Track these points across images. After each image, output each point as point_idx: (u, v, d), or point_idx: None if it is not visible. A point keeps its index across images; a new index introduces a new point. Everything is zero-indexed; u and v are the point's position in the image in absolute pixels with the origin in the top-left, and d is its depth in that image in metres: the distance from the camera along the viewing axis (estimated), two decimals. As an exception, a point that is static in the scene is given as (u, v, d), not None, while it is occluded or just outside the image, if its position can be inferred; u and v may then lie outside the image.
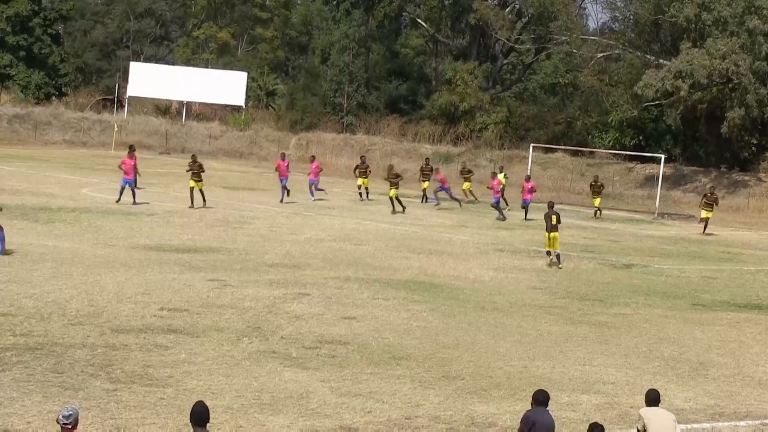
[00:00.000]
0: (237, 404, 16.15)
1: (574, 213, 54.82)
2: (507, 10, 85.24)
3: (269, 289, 25.65)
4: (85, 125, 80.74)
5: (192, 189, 42.23)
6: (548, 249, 33.84)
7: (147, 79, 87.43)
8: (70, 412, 10.92)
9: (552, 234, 33.53)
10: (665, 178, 63.34)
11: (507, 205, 51.32)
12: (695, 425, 16.98)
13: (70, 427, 10.89)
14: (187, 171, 43.49)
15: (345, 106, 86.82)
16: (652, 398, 14.09)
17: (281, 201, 47.05)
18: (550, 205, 34.11)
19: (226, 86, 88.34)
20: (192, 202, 41.85)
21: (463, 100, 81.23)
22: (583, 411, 17.27)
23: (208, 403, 11.61)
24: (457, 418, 16.41)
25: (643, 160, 69.91)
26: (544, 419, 13.19)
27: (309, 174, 50.90)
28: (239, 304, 23.63)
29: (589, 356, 21.17)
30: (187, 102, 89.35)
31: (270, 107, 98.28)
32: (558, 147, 73.63)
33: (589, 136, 78.09)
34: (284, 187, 47.72)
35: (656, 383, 18.22)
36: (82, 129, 79.70)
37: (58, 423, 10.92)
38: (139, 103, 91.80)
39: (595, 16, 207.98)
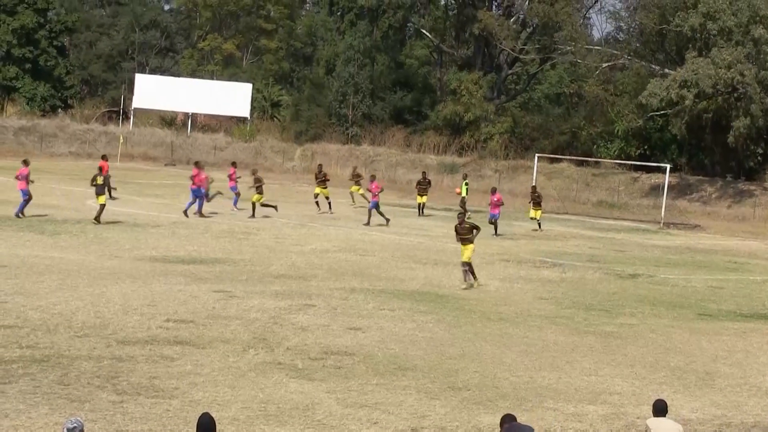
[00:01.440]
0: (243, 416, 16.13)
1: (579, 223, 54.85)
2: (512, 20, 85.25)
3: (275, 300, 25.64)
4: (91, 137, 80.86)
5: (254, 204, 44.25)
6: (465, 261, 30.26)
7: (152, 91, 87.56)
8: (75, 425, 10.88)
9: (468, 246, 30.11)
10: (671, 187, 63.33)
11: (466, 211, 50.78)
12: (702, 435, 16.94)
13: (75, 440, 10.86)
14: (250, 188, 45.07)
15: (350, 117, 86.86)
16: (660, 409, 14.07)
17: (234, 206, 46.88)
18: (463, 208, 31.59)
19: (231, 98, 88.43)
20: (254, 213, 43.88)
21: (467, 111, 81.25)
22: (589, 422, 17.24)
23: (214, 415, 11.60)
24: (463, 429, 16.39)
25: (649, 169, 69.90)
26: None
27: (370, 195, 46.43)
28: (245, 315, 23.62)
29: (595, 366, 21.13)
30: (192, 113, 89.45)
31: (275, 118, 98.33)
32: (563, 157, 73.66)
33: (595, 146, 78.13)
34: (237, 194, 47.23)
35: (663, 393, 18.19)
36: (87, 141, 79.82)
37: None
38: (144, 114, 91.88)
39: (600, 26, 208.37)
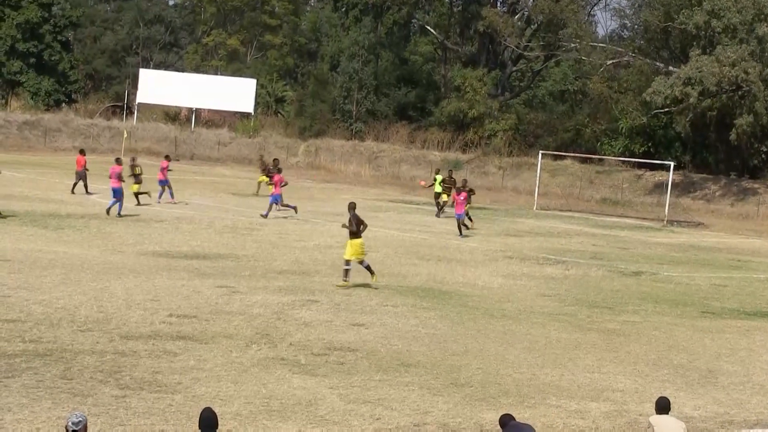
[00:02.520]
0: (246, 411, 16.14)
1: (583, 220, 54.83)
2: (516, 17, 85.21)
3: (278, 296, 25.65)
4: (95, 132, 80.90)
5: None
6: (349, 258, 28.07)
7: (156, 86, 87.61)
8: (80, 419, 10.90)
9: (354, 241, 28.16)
10: (674, 185, 63.30)
11: (441, 206, 50.89)
12: (705, 433, 16.94)
13: (78, 434, 10.87)
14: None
15: (354, 113, 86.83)
16: (663, 406, 14.07)
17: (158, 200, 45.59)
18: (352, 207, 28.70)
19: (236, 93, 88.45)
20: None
21: (472, 107, 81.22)
22: (592, 418, 17.24)
23: (216, 410, 11.62)
24: (466, 426, 16.39)
25: (653, 167, 69.87)
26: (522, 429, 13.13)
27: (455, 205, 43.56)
28: (248, 310, 23.63)
29: (598, 364, 21.13)
30: (196, 109, 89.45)
31: (279, 114, 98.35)
32: (567, 154, 73.62)
33: (599, 144, 78.09)
34: (169, 187, 45.97)
35: (665, 391, 18.19)
36: (91, 135, 79.83)
37: (68, 430, 10.90)
38: (148, 109, 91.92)
39: (605, 23, 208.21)
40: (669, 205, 59.11)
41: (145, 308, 22.96)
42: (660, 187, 65.90)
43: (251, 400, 16.71)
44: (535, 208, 59.71)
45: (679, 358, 22.26)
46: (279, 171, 45.92)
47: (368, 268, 28.31)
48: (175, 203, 45.16)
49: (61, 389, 16.53)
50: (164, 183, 45.88)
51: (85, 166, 46.74)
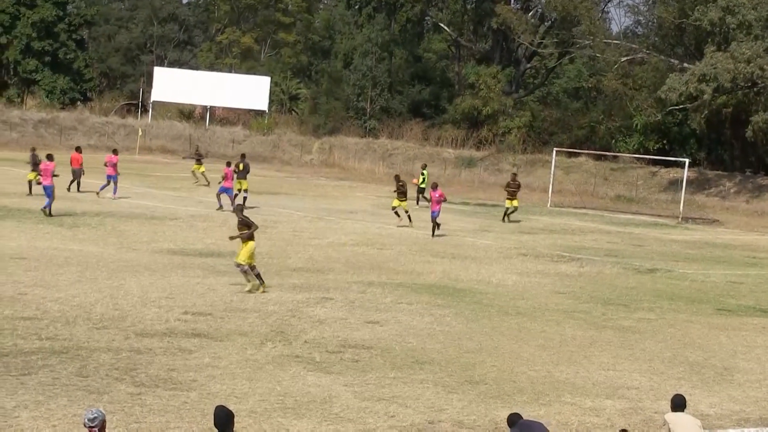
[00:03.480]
0: (260, 408, 16.16)
1: (597, 217, 54.73)
2: (530, 14, 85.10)
3: (292, 294, 25.68)
4: (110, 130, 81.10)
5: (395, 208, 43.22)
6: (242, 263, 26.11)
7: (171, 84, 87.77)
8: (95, 415, 10.93)
9: (245, 244, 26.18)
10: (689, 182, 63.14)
11: (428, 202, 51.02)
12: (720, 431, 16.89)
13: (96, 430, 10.90)
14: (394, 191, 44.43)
15: (368, 110, 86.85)
16: (678, 403, 14.05)
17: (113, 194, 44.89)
18: (239, 209, 26.99)
19: (250, 91, 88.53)
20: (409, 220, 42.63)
21: (486, 105, 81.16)
22: (607, 416, 17.22)
23: (231, 407, 11.63)
24: (481, 423, 16.39)
25: (667, 164, 69.73)
26: (534, 427, 13.19)
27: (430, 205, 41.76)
28: (263, 308, 23.66)
29: (613, 361, 21.10)
30: (210, 106, 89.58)
31: (293, 112, 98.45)
32: (581, 151, 73.52)
33: (613, 141, 77.95)
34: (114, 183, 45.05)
35: (681, 388, 18.16)
36: (106, 133, 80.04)
37: (85, 426, 10.94)
38: (163, 107, 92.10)
39: (618, 20, 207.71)
40: (684, 202, 58.96)
41: (160, 306, 23.01)
42: (675, 184, 65.71)
43: (266, 398, 16.73)
44: (549, 205, 59.63)
45: (695, 356, 22.22)
46: (228, 164, 45.39)
47: (259, 276, 25.88)
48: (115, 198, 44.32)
49: (77, 386, 16.58)
50: (114, 178, 44.76)
51: (82, 164, 45.97)
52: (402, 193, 43.32)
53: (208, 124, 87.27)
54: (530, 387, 18.62)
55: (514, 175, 51.69)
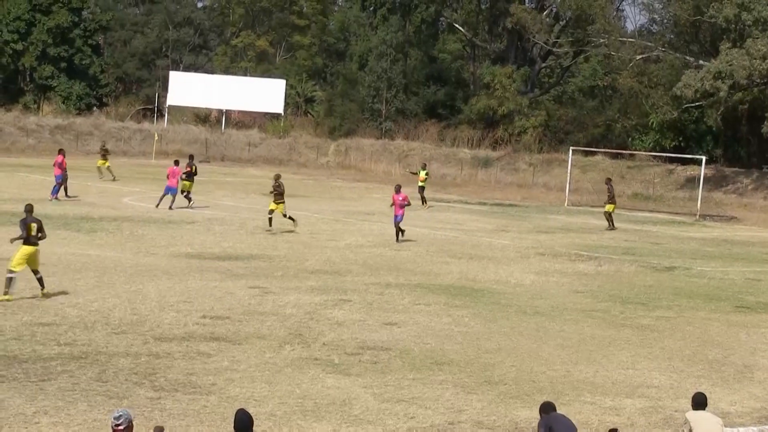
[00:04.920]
0: (280, 411, 16.17)
1: (615, 216, 54.55)
2: (544, 13, 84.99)
3: (310, 296, 25.69)
4: (126, 135, 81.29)
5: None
6: (15, 270, 23.38)
7: (186, 88, 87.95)
8: (121, 413, 11.05)
9: (29, 249, 23.60)
10: (706, 179, 62.98)
11: (426, 203, 51.44)
12: (741, 429, 16.81)
13: (122, 428, 10.96)
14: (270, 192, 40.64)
15: (383, 111, 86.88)
16: (699, 402, 14.01)
17: (63, 195, 44.22)
18: (28, 209, 24.53)
19: (265, 94, 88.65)
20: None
21: (501, 104, 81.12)
22: (627, 415, 17.17)
23: (251, 411, 11.64)
24: (501, 424, 16.37)
25: (684, 161, 69.56)
26: (564, 423, 13.23)
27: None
28: (281, 311, 23.67)
29: (632, 360, 21.05)
30: (226, 110, 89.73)
31: (309, 114, 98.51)
32: (598, 150, 73.42)
33: (629, 139, 77.83)
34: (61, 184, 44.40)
35: (701, 386, 18.09)
36: (122, 138, 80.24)
37: (111, 427, 11.03)
38: (178, 111, 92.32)
39: (633, 18, 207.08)
40: (701, 199, 58.81)
41: (178, 310, 23.04)
42: (692, 181, 65.55)
43: (285, 401, 16.74)
44: (566, 204, 59.57)
45: (714, 354, 22.15)
46: (177, 163, 44.89)
47: (41, 280, 23.83)
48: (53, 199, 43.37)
49: (96, 392, 16.61)
50: (59, 179, 44.14)
51: (65, 168, 45.13)
52: (279, 194, 39.16)
53: (224, 128, 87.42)
54: (550, 387, 18.58)
55: (608, 179, 49.93)
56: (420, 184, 52.53)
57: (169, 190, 43.60)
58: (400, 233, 37.76)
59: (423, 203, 51.23)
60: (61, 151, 46.92)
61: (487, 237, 40.98)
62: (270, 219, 38.68)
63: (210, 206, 45.13)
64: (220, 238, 35.70)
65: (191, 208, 43.46)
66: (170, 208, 42.81)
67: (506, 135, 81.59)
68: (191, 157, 47.87)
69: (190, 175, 44.87)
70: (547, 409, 13.49)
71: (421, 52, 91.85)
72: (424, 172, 53.43)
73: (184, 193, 44.21)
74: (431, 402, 17.19)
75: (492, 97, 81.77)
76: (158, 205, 43.26)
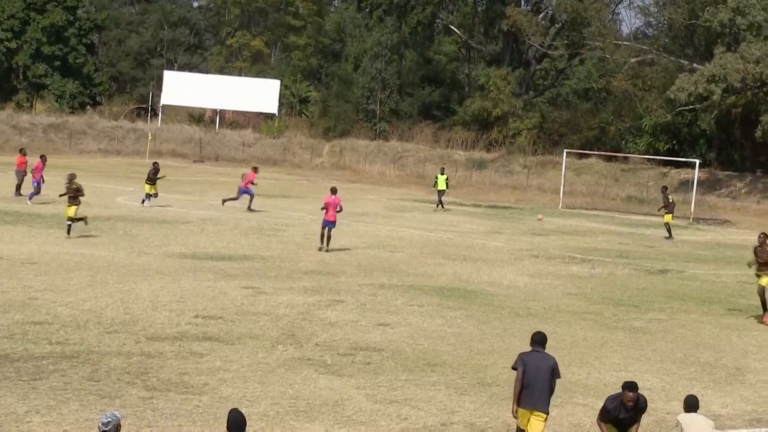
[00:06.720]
0: (273, 411, 16.17)
1: (608, 218, 54.66)
2: (540, 16, 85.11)
3: (304, 296, 25.69)
4: (120, 134, 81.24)
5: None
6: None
7: (181, 88, 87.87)
8: (109, 419, 10.92)
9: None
10: (700, 183, 63.05)
11: (443, 207, 51.61)
12: (733, 431, 16.85)
13: (110, 434, 10.90)
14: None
15: (378, 112, 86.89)
16: (691, 404, 14.03)
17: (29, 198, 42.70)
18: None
19: (260, 94, 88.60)
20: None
21: (496, 106, 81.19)
22: (619, 417, 17.15)
23: (243, 411, 11.63)
24: (493, 425, 16.38)
25: (678, 165, 69.64)
26: (535, 360, 14.43)
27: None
28: (274, 311, 23.67)
29: (624, 362, 21.08)
30: (220, 110, 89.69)
31: (303, 114, 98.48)
32: (592, 152, 73.47)
33: (623, 142, 77.88)
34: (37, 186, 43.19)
35: (693, 389, 18.12)
36: (116, 138, 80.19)
37: (99, 430, 10.96)
38: (173, 111, 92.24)
39: (629, 21, 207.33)
40: (695, 202, 58.87)
41: (171, 309, 23.03)
42: (685, 184, 65.62)
43: (278, 401, 16.74)
44: (560, 206, 59.62)
45: (706, 356, 22.18)
46: (256, 170, 46.78)
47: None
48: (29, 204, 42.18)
49: (88, 391, 16.60)
50: (35, 183, 42.92)
51: (24, 167, 44.76)
52: (73, 198, 34.44)
53: (218, 128, 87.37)
54: (542, 389, 18.55)
55: (664, 188, 49.12)
56: (440, 188, 52.43)
57: (245, 192, 45.11)
58: (328, 240, 34.44)
59: (439, 206, 51.78)
60: (22, 151, 46.99)
61: (481, 239, 41.00)
62: (69, 225, 33.91)
63: (172, 204, 45.07)
64: (214, 238, 35.68)
65: (144, 206, 43.18)
66: (249, 209, 44.50)
67: (500, 137, 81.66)
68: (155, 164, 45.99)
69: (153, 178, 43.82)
70: (536, 340, 14.79)
71: (417, 53, 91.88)
72: (444, 177, 53.19)
73: (150, 195, 43.75)
74: (424, 403, 17.20)
75: (486, 99, 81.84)
76: (249, 207, 44.63)
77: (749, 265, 27.91)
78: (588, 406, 17.66)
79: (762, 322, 26.52)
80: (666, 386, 19.31)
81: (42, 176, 43.37)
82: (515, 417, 14.68)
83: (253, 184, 45.65)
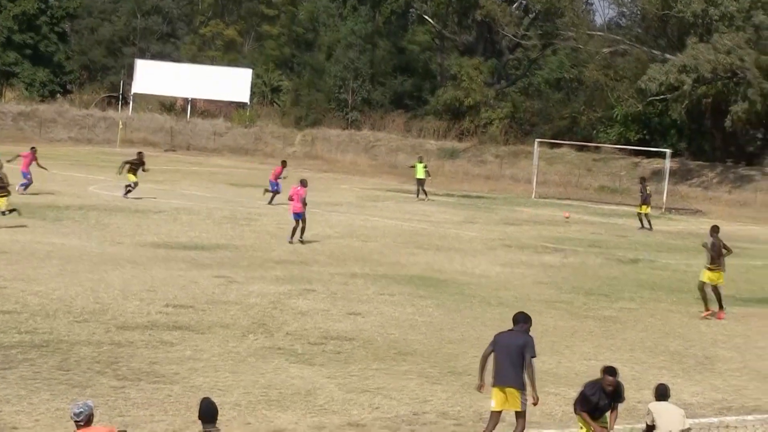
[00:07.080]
0: (244, 401, 16.15)
1: (581, 208, 54.83)
2: (514, 6, 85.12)
3: (275, 286, 25.66)
4: (90, 122, 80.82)
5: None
6: None
7: (152, 76, 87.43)
8: (81, 409, 10.89)
9: None
10: (672, 173, 63.26)
11: (426, 196, 51.65)
12: (703, 420, 16.94)
13: (82, 424, 10.87)
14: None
15: (350, 102, 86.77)
16: (662, 393, 14.09)
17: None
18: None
19: (231, 83, 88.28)
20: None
21: (468, 96, 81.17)
22: (589, 406, 17.21)
23: (215, 400, 11.61)
24: (465, 414, 16.41)
25: (649, 154, 69.86)
26: (506, 339, 14.64)
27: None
28: (245, 300, 23.64)
29: (594, 351, 21.16)
30: (192, 99, 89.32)
31: (275, 104, 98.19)
32: (563, 142, 73.60)
33: (594, 131, 78.05)
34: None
35: (662, 378, 18.19)
36: (87, 126, 79.78)
37: (72, 419, 10.95)
38: (144, 99, 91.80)
39: (602, 11, 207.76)
40: (667, 192, 59.09)
41: (141, 299, 22.97)
42: (657, 174, 65.82)
43: (250, 390, 16.72)
44: (533, 196, 59.74)
45: (676, 345, 22.30)
46: (284, 164, 46.23)
47: None
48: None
49: (58, 380, 16.54)
50: (26, 175, 42.39)
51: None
52: (2, 187, 34.57)
53: (190, 117, 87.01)
54: (513, 377, 18.59)
55: (642, 179, 49.59)
56: (419, 176, 52.32)
57: (274, 186, 44.70)
58: (302, 232, 33.88)
59: (421, 195, 51.79)
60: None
61: (455, 228, 41.05)
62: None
63: (143, 197, 44.85)
64: (187, 227, 35.59)
65: (125, 197, 42.47)
66: (270, 203, 44.14)
67: (472, 126, 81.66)
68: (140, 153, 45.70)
69: (134, 168, 43.28)
70: (517, 320, 14.87)
71: (390, 42, 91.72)
72: (422, 165, 52.99)
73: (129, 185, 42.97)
74: (396, 392, 17.21)
75: (459, 89, 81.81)
76: (270, 202, 44.15)
77: (703, 246, 27.42)
78: (560, 395, 17.72)
79: (704, 317, 25.90)
80: (636, 375, 19.39)
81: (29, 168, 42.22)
82: (480, 392, 15.02)
83: (280, 178, 44.77)
